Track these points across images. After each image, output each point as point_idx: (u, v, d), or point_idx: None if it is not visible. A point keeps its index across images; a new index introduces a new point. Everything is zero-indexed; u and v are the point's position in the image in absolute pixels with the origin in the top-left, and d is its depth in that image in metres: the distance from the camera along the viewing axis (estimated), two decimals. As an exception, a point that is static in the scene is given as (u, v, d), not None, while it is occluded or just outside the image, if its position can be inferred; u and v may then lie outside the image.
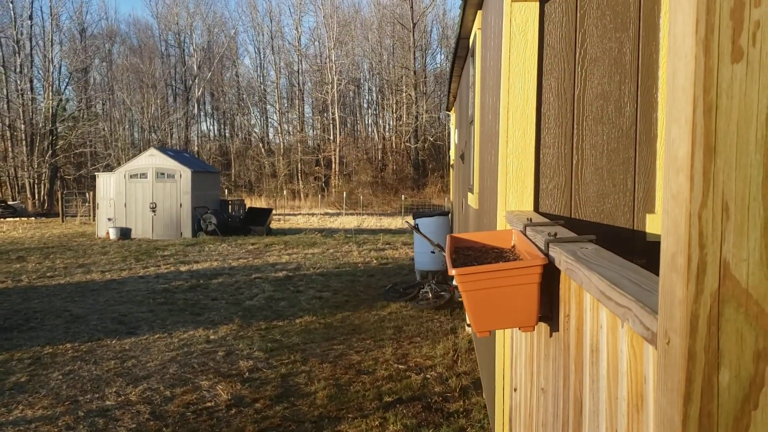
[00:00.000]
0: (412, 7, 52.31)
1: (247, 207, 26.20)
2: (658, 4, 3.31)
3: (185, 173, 21.65)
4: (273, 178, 52.48)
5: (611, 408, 1.60)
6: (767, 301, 0.99)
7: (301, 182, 52.04)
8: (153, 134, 53.28)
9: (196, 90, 55.93)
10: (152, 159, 21.97)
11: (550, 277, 2.31)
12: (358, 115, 58.37)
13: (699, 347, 1.01)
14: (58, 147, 46.22)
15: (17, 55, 46.29)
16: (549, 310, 2.38)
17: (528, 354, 2.89)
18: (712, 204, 0.99)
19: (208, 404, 5.63)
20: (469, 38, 6.98)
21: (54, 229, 24.70)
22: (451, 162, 15.02)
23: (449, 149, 19.31)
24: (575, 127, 3.36)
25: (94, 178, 25.74)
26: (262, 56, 58.79)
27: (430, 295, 9.63)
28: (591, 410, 1.80)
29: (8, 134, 45.12)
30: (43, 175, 44.49)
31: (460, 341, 7.46)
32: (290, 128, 56.89)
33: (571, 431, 2.04)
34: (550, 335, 2.37)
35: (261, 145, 56.27)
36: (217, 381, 6.19)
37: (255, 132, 58.17)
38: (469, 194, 6.61)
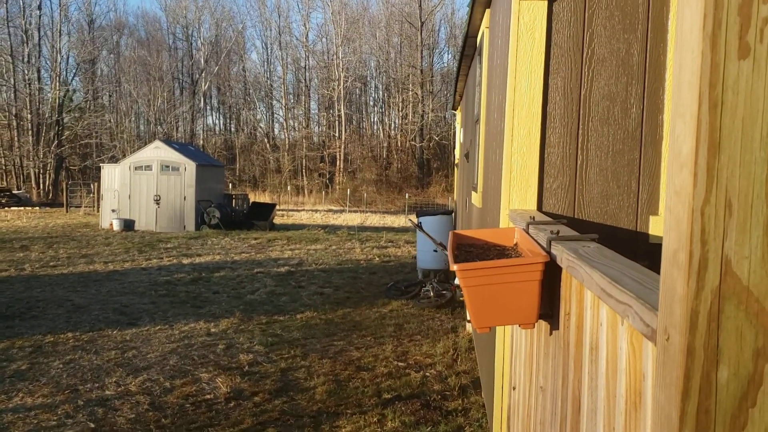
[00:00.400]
0: (420, 5, 52.26)
1: (250, 201, 26.21)
2: (666, 5, 3.30)
3: (190, 166, 21.67)
4: (277, 174, 52.52)
5: (609, 406, 1.60)
6: (768, 299, 0.99)
7: (305, 178, 52.06)
8: (159, 127, 53.36)
9: (203, 84, 55.98)
10: (157, 151, 22.00)
11: (551, 274, 2.31)
12: (363, 112, 58.36)
13: (698, 344, 1.00)
14: (64, 137, 46.31)
15: (25, 44, 46.37)
16: (549, 308, 2.38)
17: (528, 352, 2.89)
18: (715, 200, 0.98)
19: (208, 396, 5.64)
20: (476, 37, 6.97)
21: (58, 219, 24.76)
22: (456, 161, 15.01)
23: (454, 148, 19.28)
24: (581, 127, 3.35)
25: (99, 169, 25.79)
26: (269, 51, 58.85)
27: (432, 294, 9.63)
28: (589, 408, 1.80)
29: (15, 124, 45.22)
30: (49, 165, 44.59)
31: (461, 340, 7.46)
32: (296, 124, 56.90)
33: (568, 430, 2.04)
34: (550, 333, 2.37)
35: (266, 140, 56.30)
36: (216, 374, 6.20)
37: (260, 127, 58.22)
38: (473, 193, 6.60)
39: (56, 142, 45.12)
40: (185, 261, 13.93)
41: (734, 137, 0.97)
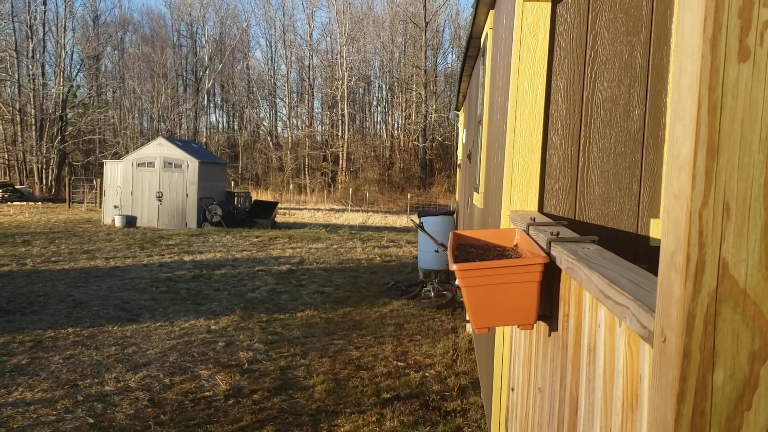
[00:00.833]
0: (425, 6, 52.24)
1: (252, 200, 26.24)
2: (670, 8, 3.30)
3: (192, 164, 21.68)
4: (280, 172, 52.54)
5: (606, 407, 1.60)
6: (765, 302, 0.99)
7: (307, 177, 52.08)
8: (162, 124, 53.40)
9: (207, 81, 56.02)
10: (160, 148, 22.01)
11: (550, 276, 2.31)
12: (367, 112, 58.36)
13: (695, 346, 1.01)
14: (67, 133, 46.36)
15: (30, 40, 46.42)
16: (548, 309, 2.38)
17: (526, 353, 2.89)
18: (713, 203, 0.99)
19: (207, 393, 5.64)
20: (480, 38, 6.97)
21: (60, 215, 24.79)
22: (459, 162, 15.01)
23: (457, 149, 19.28)
24: (582, 129, 3.35)
25: (101, 165, 25.81)
26: (273, 50, 58.87)
27: (432, 294, 9.63)
28: (586, 410, 1.80)
29: (18, 119, 45.28)
30: (52, 160, 44.64)
31: (461, 341, 7.46)
32: (299, 123, 56.92)
33: (566, 431, 2.04)
34: (549, 334, 2.37)
35: (269, 138, 56.33)
36: (216, 371, 6.21)
37: (264, 125, 58.25)
38: (475, 194, 6.61)
39: (59, 137, 45.17)
40: (186, 258, 13.94)
41: (733, 140, 0.97)
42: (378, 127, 58.02)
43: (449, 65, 54.91)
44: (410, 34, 53.88)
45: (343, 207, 37.83)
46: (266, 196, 39.23)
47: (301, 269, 12.72)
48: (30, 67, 46.15)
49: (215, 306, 9.17)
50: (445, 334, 7.79)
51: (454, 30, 55.19)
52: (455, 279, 9.16)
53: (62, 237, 17.13)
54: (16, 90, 45.88)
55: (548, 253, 2.25)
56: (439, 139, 51.16)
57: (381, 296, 10.09)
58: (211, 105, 59.19)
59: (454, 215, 12.20)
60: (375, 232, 21.66)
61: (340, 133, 53.14)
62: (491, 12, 5.60)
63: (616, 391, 1.51)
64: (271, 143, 55.63)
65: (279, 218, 26.23)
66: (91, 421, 5.00)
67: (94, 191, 30.46)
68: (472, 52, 7.99)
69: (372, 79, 57.73)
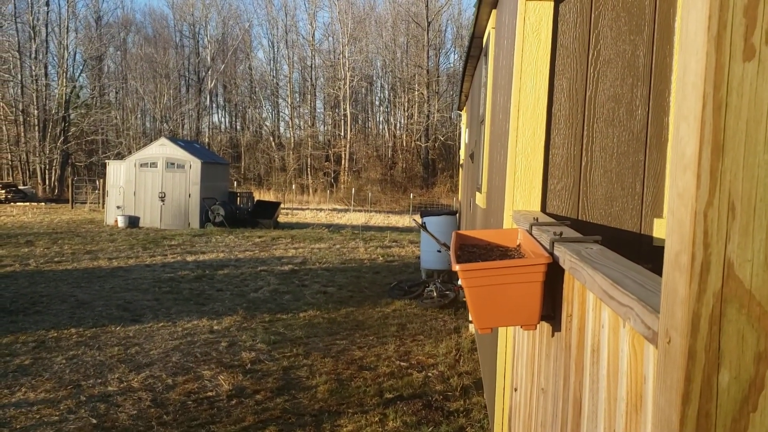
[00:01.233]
0: (427, 5, 52.24)
1: (255, 200, 26.25)
2: (673, 7, 3.29)
3: (195, 164, 21.70)
4: (282, 172, 52.56)
5: (610, 408, 1.59)
6: (770, 302, 0.98)
7: (310, 177, 52.10)
8: (164, 124, 53.45)
9: (209, 82, 56.06)
10: (163, 149, 22.03)
11: (553, 276, 2.30)
12: (369, 112, 58.38)
13: (699, 347, 1.00)
14: (70, 134, 46.43)
15: (33, 40, 46.50)
16: (551, 310, 2.37)
17: (529, 353, 2.88)
18: (718, 203, 0.98)
19: (210, 394, 5.64)
20: (482, 37, 6.96)
21: (63, 215, 24.82)
22: (461, 161, 15.00)
23: (459, 149, 19.27)
24: (585, 128, 3.34)
25: (104, 165, 25.85)
26: (275, 50, 58.90)
27: (435, 294, 9.62)
28: (590, 411, 1.79)
29: (21, 119, 45.35)
30: (55, 161, 44.70)
31: (463, 341, 7.46)
32: (301, 123, 56.96)
33: None
34: (552, 335, 2.36)
35: (271, 138, 56.36)
36: (219, 371, 6.21)
37: (266, 125, 58.29)
38: (477, 194, 6.60)
39: (62, 138, 45.24)
40: (189, 258, 13.95)
41: (738, 139, 0.97)
42: (380, 127, 58.06)
43: (451, 65, 54.94)
44: (412, 34, 53.89)
45: (346, 207, 37.83)
46: (269, 197, 39.26)
47: (303, 269, 12.72)
48: (33, 67, 46.24)
49: (218, 306, 9.17)
50: (448, 334, 7.78)
51: (456, 29, 55.20)
52: (458, 279, 9.15)
53: (65, 237, 17.15)
54: (19, 91, 45.96)
55: (551, 254, 2.24)
56: (442, 138, 51.14)
57: (383, 296, 10.08)
58: (214, 105, 59.29)
59: (457, 215, 12.19)
60: (377, 232, 21.66)
61: (342, 133, 53.15)
62: (493, 11, 5.59)
63: (620, 392, 1.50)
64: (273, 143, 55.66)
65: (281, 218, 26.24)
66: (94, 421, 5.00)
67: (96, 192, 30.51)
68: (474, 51, 7.98)
69: (374, 78, 57.77)
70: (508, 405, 3.51)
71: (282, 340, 7.37)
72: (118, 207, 21.97)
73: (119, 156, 42.46)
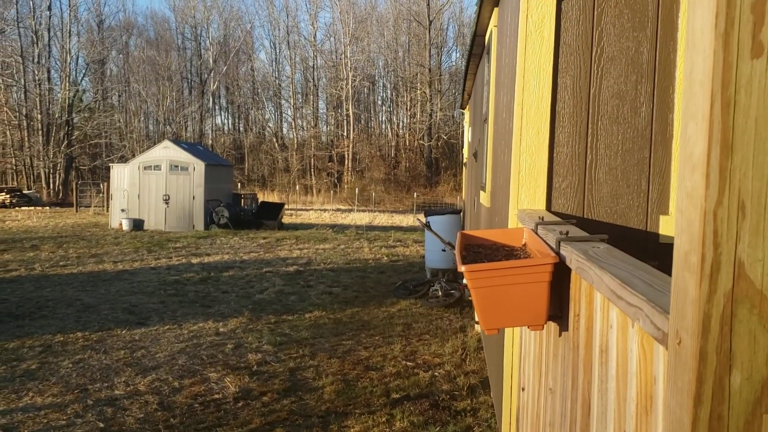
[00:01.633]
0: (428, 4, 52.20)
1: (259, 201, 26.25)
2: (676, 3, 3.27)
3: (199, 166, 21.72)
4: (286, 173, 52.59)
5: (620, 409, 1.58)
6: (782, 302, 0.97)
7: (313, 178, 52.11)
8: (168, 127, 53.53)
9: (212, 83, 56.12)
10: (166, 151, 22.05)
11: (560, 275, 2.29)
12: (372, 111, 58.37)
13: (711, 348, 0.99)
14: (73, 137, 46.53)
15: (35, 45, 46.62)
16: (558, 310, 2.36)
17: (537, 353, 2.87)
18: (728, 202, 0.97)
19: (216, 396, 5.64)
20: (485, 36, 6.95)
21: (68, 219, 24.87)
22: (464, 160, 14.98)
23: (462, 147, 19.25)
24: (590, 126, 3.33)
25: (108, 169, 25.89)
26: (277, 51, 58.96)
27: (440, 293, 9.61)
28: (599, 411, 1.78)
29: (25, 124, 45.47)
30: (59, 165, 44.81)
31: (469, 340, 7.44)
32: (304, 123, 56.99)
33: (578, 432, 2.02)
34: (560, 335, 2.35)
35: (275, 139, 56.40)
36: (225, 373, 6.21)
37: (269, 126, 58.34)
38: (481, 192, 6.58)
39: (66, 142, 45.34)
40: (194, 260, 13.96)
41: (747, 138, 0.95)
42: (383, 126, 58.04)
43: (453, 63, 54.90)
44: (414, 33, 53.86)
45: (350, 207, 37.83)
46: (273, 198, 39.29)
47: (308, 270, 12.72)
48: (36, 72, 46.35)
49: (223, 308, 9.17)
50: (454, 333, 7.77)
51: (458, 28, 55.16)
52: (463, 278, 9.14)
53: (70, 241, 17.18)
54: (23, 95, 46.08)
55: (558, 253, 2.23)
56: (445, 137, 51.12)
57: (389, 296, 10.08)
58: (217, 107, 59.35)
59: (461, 214, 12.18)
60: (382, 231, 21.65)
61: (345, 133, 53.15)
62: (495, 9, 5.57)
63: (630, 392, 1.49)
64: (276, 144, 55.70)
65: (286, 219, 26.25)
66: (101, 425, 5.00)
67: (101, 195, 30.56)
68: (476, 50, 7.96)
69: (376, 78, 57.76)
70: (515, 405, 3.50)
71: (288, 341, 7.37)
72: (123, 210, 22.00)
73: (123, 159, 42.52)
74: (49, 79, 47.44)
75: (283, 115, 58.58)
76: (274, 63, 59.13)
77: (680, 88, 3.27)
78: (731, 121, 0.95)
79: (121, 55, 55.95)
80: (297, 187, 47.80)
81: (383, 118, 58.63)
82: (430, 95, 51.74)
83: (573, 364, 2.11)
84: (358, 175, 50.38)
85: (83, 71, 51.51)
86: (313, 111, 56.66)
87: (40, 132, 45.20)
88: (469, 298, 8.95)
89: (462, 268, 2.24)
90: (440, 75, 53.33)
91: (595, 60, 3.31)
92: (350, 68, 52.67)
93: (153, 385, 5.92)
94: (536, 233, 2.61)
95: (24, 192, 34.51)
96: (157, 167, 21.93)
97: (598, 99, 3.32)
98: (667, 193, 3.32)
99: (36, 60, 46.63)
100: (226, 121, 61.11)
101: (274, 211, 23.70)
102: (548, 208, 3.34)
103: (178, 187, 21.81)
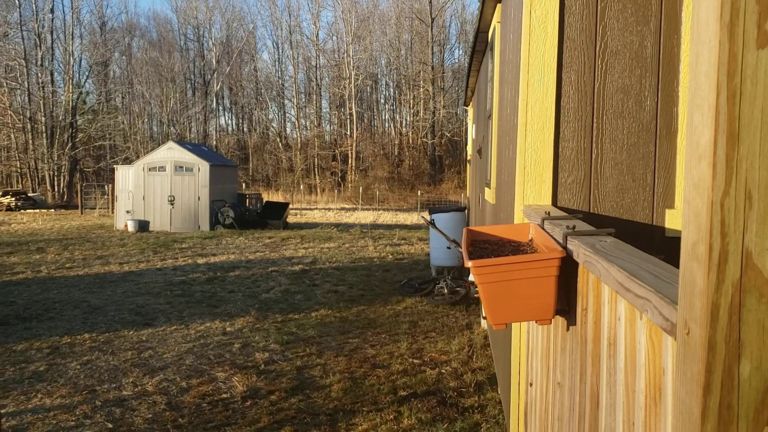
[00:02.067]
0: (430, 2, 52.14)
1: (264, 201, 26.27)
2: (680, -4, 3.27)
3: (203, 167, 21.75)
4: (290, 173, 52.62)
5: (628, 401, 1.58)
6: (790, 291, 0.97)
7: (317, 177, 52.14)
8: (172, 128, 53.60)
9: (215, 84, 56.16)
10: (171, 152, 22.09)
11: (567, 270, 2.29)
12: (375, 110, 58.33)
13: (719, 338, 0.99)
14: (77, 140, 46.62)
15: (38, 48, 46.71)
16: (566, 304, 2.36)
17: (544, 348, 2.88)
18: (734, 192, 0.97)
19: (224, 396, 5.66)
20: (488, 32, 6.95)
21: (73, 221, 24.94)
22: (468, 157, 14.97)
23: (466, 145, 19.24)
24: (595, 120, 3.33)
25: (113, 170, 25.93)
26: (280, 51, 58.94)
27: (446, 291, 9.61)
28: (608, 404, 1.79)
29: (29, 126, 45.57)
30: (63, 167, 44.91)
31: (476, 337, 7.45)
32: (307, 123, 56.99)
33: (587, 425, 2.02)
34: (567, 329, 2.36)
35: (278, 139, 56.44)
36: (233, 373, 6.23)
37: (273, 126, 58.37)
38: (486, 189, 6.58)
39: (70, 144, 45.43)
40: (200, 261, 13.99)
41: (753, 128, 0.96)
42: (386, 124, 58.00)
43: (456, 61, 54.84)
44: (416, 31, 53.80)
45: (354, 206, 37.84)
46: (277, 197, 39.30)
47: (314, 269, 12.74)
48: (39, 75, 46.45)
49: (230, 308, 9.19)
50: (460, 331, 7.77)
51: (460, 25, 55.07)
52: (468, 275, 9.14)
53: (76, 243, 17.23)
54: (27, 98, 46.20)
55: (565, 247, 2.24)
56: (448, 135, 51.06)
57: (394, 294, 10.09)
58: (220, 108, 59.41)
59: (466, 211, 12.18)
60: (386, 230, 21.65)
61: (348, 132, 53.15)
62: (498, 6, 5.57)
63: (639, 384, 1.49)
64: (280, 144, 55.74)
65: (290, 219, 26.28)
66: (110, 426, 5.02)
67: (106, 197, 30.63)
68: (479, 46, 7.96)
69: (379, 77, 57.71)
70: (523, 400, 3.51)
71: (295, 340, 7.39)
72: (128, 211, 22.05)
73: (127, 161, 42.63)
74: (52, 81, 47.54)
75: (287, 114, 58.61)
76: (276, 63, 59.17)
77: (684, 81, 3.27)
78: (737, 111, 0.96)
79: (124, 57, 56.04)
80: (301, 186, 47.83)
81: (386, 117, 58.62)
82: (433, 93, 51.69)
83: (581, 358, 2.11)
84: (361, 173, 50.38)
85: (86, 73, 51.62)
86: (316, 110, 56.68)
87: (44, 135, 45.31)
88: (475, 295, 8.96)
89: (469, 264, 2.24)
90: (443, 72, 53.27)
91: (599, 55, 3.31)
92: (353, 67, 52.65)
93: (161, 385, 5.94)
94: (543, 228, 2.61)
95: (29, 195, 34.60)
96: (162, 168, 21.97)
97: (602, 93, 3.32)
98: (673, 187, 3.32)
99: (39, 63, 46.72)
100: (229, 121, 61.21)
101: (278, 210, 23.73)
102: (554, 203, 3.34)
103: (183, 187, 21.84)
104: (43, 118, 45.15)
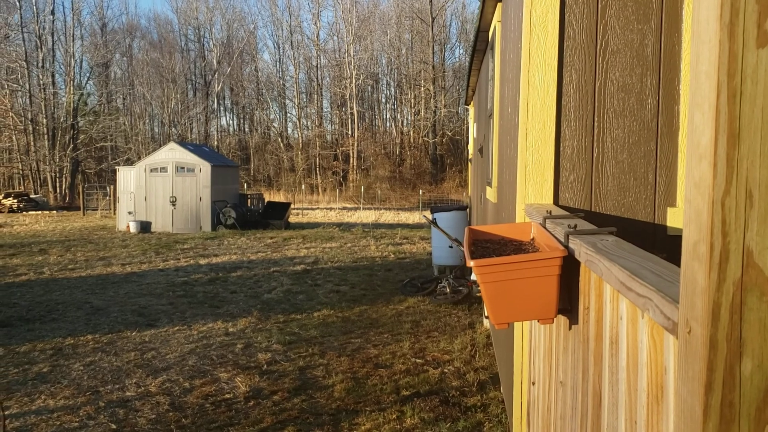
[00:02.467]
0: (431, 1, 52.15)
1: (265, 201, 26.29)
2: (680, -5, 3.27)
3: (205, 167, 21.77)
4: (291, 173, 52.65)
5: (631, 400, 1.59)
6: (791, 290, 0.97)
7: (319, 177, 52.17)
8: (173, 129, 53.65)
9: (216, 85, 56.21)
10: (172, 153, 22.11)
11: (569, 269, 2.29)
12: (376, 109, 58.38)
13: (721, 336, 0.99)
14: (79, 141, 46.70)
15: (39, 50, 46.79)
16: (568, 303, 2.37)
17: (546, 347, 2.88)
18: (735, 191, 0.97)
19: (227, 396, 5.67)
20: (488, 31, 6.95)
21: (75, 223, 24.97)
22: (470, 156, 14.97)
23: (468, 144, 19.24)
24: (596, 119, 3.33)
25: (114, 171, 25.98)
26: (281, 51, 59.00)
27: (448, 290, 9.61)
28: (610, 402, 1.79)
29: (30, 128, 45.65)
30: (65, 168, 44.98)
31: (478, 336, 7.45)
32: (309, 123, 57.04)
33: (589, 424, 2.03)
34: (569, 328, 2.36)
35: (280, 139, 56.48)
36: (235, 373, 6.23)
37: (274, 127, 58.42)
38: (488, 188, 6.58)
39: (72, 145, 45.50)
40: (202, 261, 14.00)
41: (754, 127, 0.96)
42: (387, 124, 58.05)
43: (457, 60, 54.85)
44: (417, 30, 53.82)
45: (356, 205, 37.85)
46: (279, 197, 39.33)
47: (316, 269, 12.75)
48: (40, 76, 46.52)
49: (232, 308, 9.20)
50: (462, 330, 7.77)
51: (461, 24, 55.09)
52: (470, 274, 9.14)
53: (78, 244, 17.25)
54: (28, 100, 46.28)
55: (566, 247, 2.24)
56: (449, 134, 51.08)
57: (396, 293, 10.09)
58: (221, 108, 59.48)
59: (467, 210, 12.18)
60: (388, 229, 21.66)
61: (349, 132, 53.18)
62: (499, 5, 5.57)
63: (641, 383, 1.50)
64: (281, 144, 55.78)
65: (292, 219, 26.30)
66: (114, 426, 5.03)
67: (107, 198, 30.67)
68: (480, 45, 7.96)
69: (380, 76, 57.76)
70: (526, 399, 3.51)
71: (297, 340, 7.39)
72: (130, 212, 22.08)
73: (129, 162, 42.65)
74: (53, 83, 47.63)
75: (288, 114, 58.69)
76: (277, 63, 59.24)
77: (686, 79, 3.27)
78: (738, 111, 0.96)
79: (124, 58, 56.12)
80: (303, 186, 47.88)
81: (387, 116, 58.68)
82: (434, 92, 51.70)
83: (583, 357, 2.11)
84: (363, 173, 50.41)
85: (87, 75, 51.71)
86: (317, 110, 56.72)
87: (45, 136, 45.39)
88: (477, 294, 8.96)
89: (471, 263, 2.24)
90: (444, 72, 53.28)
91: (600, 53, 3.31)
92: (353, 67, 52.67)
93: (164, 385, 5.95)
94: (544, 227, 2.61)
95: (31, 196, 34.65)
96: (164, 169, 21.99)
97: (603, 92, 3.32)
98: (674, 186, 3.32)
99: (40, 64, 46.80)
100: (231, 122, 61.29)
101: (280, 210, 23.75)
102: (555, 202, 3.34)
103: (184, 188, 21.87)
104: (45, 120, 45.22)
